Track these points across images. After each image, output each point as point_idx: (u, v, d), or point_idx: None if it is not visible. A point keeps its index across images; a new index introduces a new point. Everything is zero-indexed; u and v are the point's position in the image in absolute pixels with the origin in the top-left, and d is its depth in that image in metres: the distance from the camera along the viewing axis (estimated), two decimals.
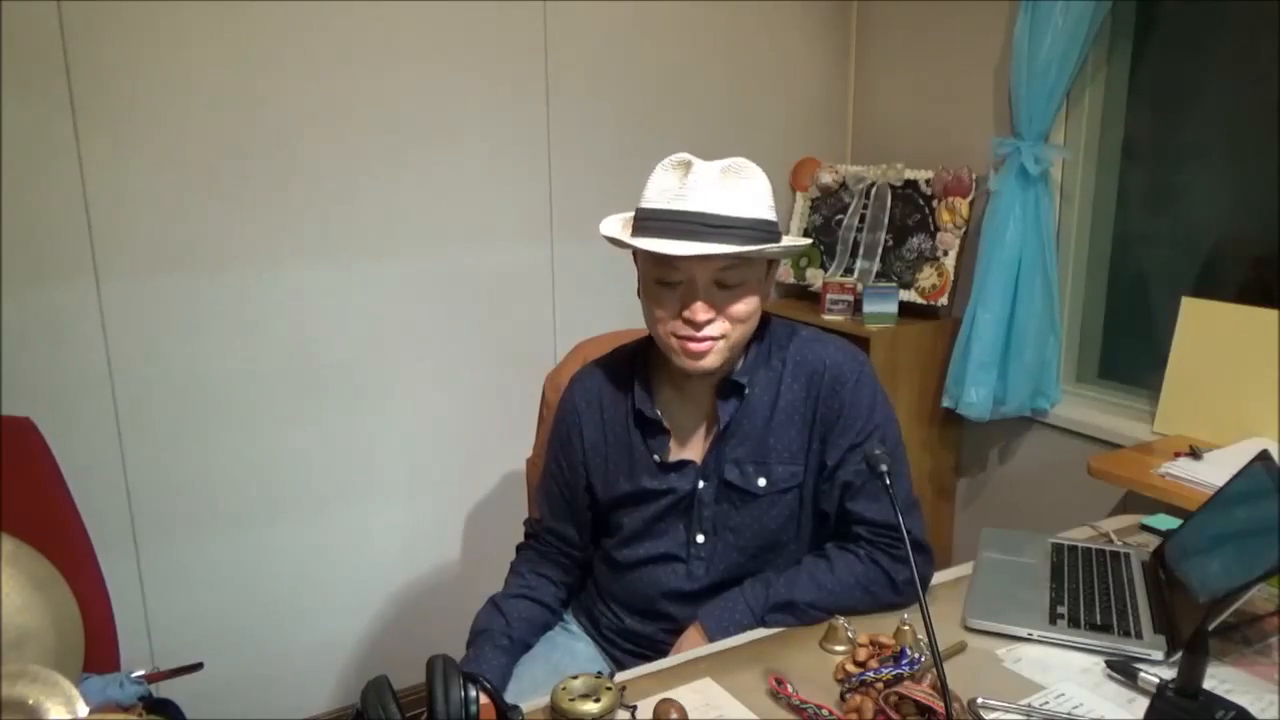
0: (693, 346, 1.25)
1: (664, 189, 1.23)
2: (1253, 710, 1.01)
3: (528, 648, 1.42)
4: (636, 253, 1.29)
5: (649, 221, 1.23)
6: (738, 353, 1.31)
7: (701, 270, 1.22)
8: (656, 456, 1.35)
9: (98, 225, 1.95)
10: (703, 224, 1.19)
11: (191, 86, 2.00)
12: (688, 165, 1.23)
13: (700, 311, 1.22)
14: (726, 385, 1.32)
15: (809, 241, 1.48)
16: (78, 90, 1.89)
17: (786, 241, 1.27)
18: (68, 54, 1.87)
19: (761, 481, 1.33)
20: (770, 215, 1.25)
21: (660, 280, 1.25)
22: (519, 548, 1.53)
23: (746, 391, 1.32)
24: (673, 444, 1.36)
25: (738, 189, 1.22)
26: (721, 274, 1.22)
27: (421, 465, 2.39)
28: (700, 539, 1.36)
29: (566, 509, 1.45)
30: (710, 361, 1.26)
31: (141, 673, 1.10)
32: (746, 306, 1.26)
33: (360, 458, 2.32)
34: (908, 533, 1.08)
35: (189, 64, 1.98)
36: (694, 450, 1.36)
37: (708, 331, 1.24)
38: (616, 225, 1.31)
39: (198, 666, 1.20)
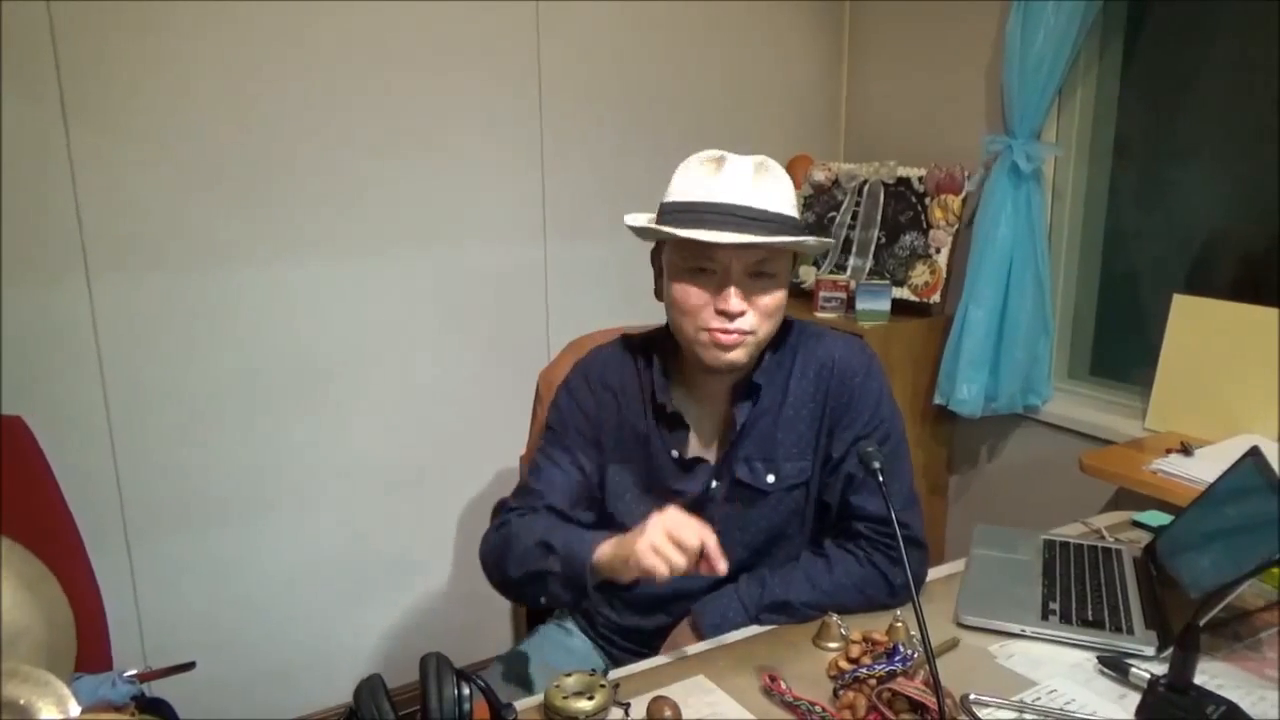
0: (724, 338, 1.24)
1: (697, 181, 1.23)
2: (1243, 705, 1.01)
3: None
4: (662, 246, 1.28)
5: (681, 214, 1.22)
6: (760, 351, 1.30)
7: (737, 260, 1.22)
8: (675, 452, 1.34)
9: (88, 223, 1.94)
10: (742, 215, 1.20)
11: (183, 84, 1.99)
12: (721, 160, 1.24)
13: (734, 300, 1.22)
14: (744, 386, 1.32)
15: (829, 241, 1.44)
16: (68, 87, 1.88)
17: (813, 239, 1.28)
18: (58, 51, 1.86)
19: (770, 478, 1.33)
20: (795, 214, 1.26)
21: (695, 269, 1.24)
22: (505, 523, 1.35)
23: (761, 391, 1.32)
24: (689, 441, 1.35)
25: (768, 186, 1.23)
26: (757, 265, 1.23)
27: (415, 462, 2.39)
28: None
29: (585, 496, 1.37)
30: (738, 355, 1.25)
31: (134, 672, 1.09)
32: (775, 300, 1.26)
33: (353, 455, 2.32)
34: (907, 528, 1.08)
35: (181, 61, 1.98)
36: (707, 450, 1.36)
37: (739, 324, 1.23)
38: (640, 221, 1.30)
39: (190, 666, 1.20)
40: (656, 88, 2.58)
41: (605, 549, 1.17)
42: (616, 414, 1.37)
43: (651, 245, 1.33)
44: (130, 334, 2.02)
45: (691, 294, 1.25)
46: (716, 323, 1.23)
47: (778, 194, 1.23)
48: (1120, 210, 2.42)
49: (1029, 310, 2.35)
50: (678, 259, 1.26)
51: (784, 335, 1.35)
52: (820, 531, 1.37)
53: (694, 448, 1.35)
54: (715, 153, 1.25)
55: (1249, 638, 1.21)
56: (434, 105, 2.27)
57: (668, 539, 1.09)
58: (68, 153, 1.90)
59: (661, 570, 1.08)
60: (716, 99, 2.68)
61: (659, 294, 1.33)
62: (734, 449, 1.33)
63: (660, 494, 1.34)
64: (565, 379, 1.43)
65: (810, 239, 1.23)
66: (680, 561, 1.08)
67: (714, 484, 1.34)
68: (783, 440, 1.32)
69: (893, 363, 2.50)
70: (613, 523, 1.39)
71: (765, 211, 1.21)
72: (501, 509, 1.42)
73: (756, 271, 1.23)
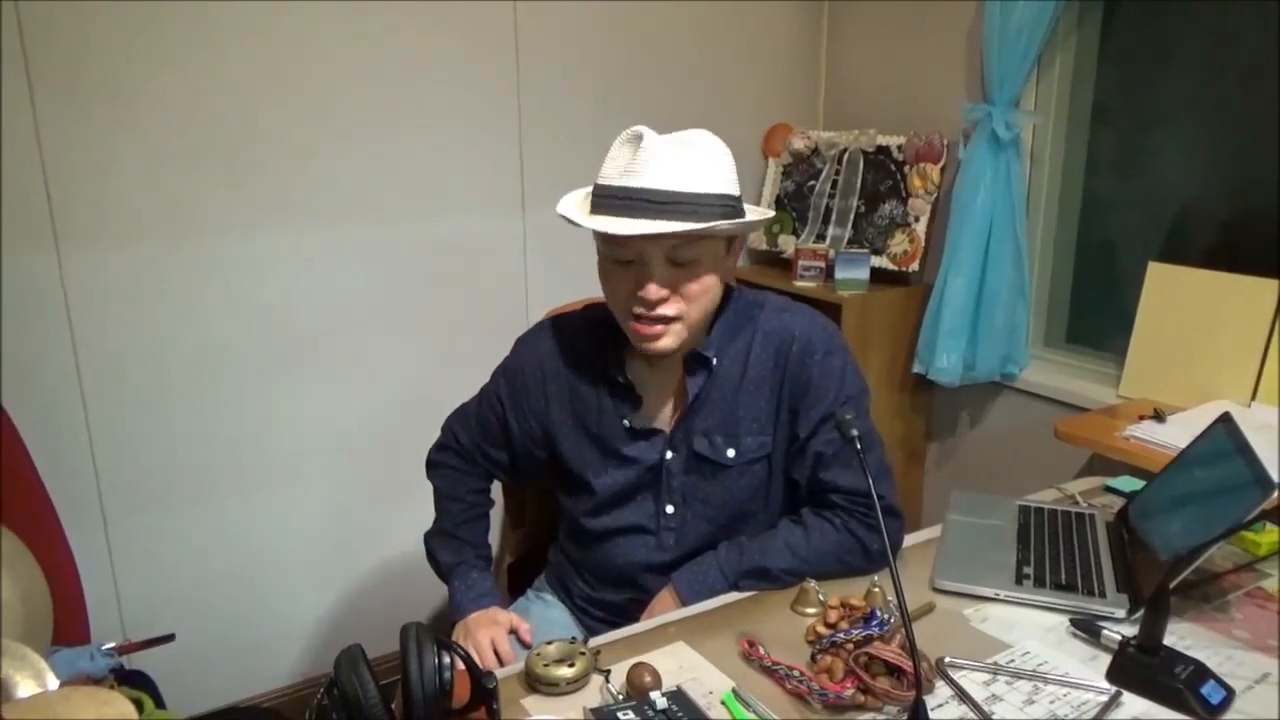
0: (644, 329, 1.24)
1: (615, 164, 1.21)
2: (1210, 665, 1.04)
3: (491, 561, 1.49)
4: (595, 231, 1.28)
5: (601, 199, 1.21)
6: (698, 331, 1.30)
7: (653, 248, 1.20)
8: (626, 421, 1.35)
9: (57, 194, 1.91)
10: (650, 200, 1.17)
11: (153, 50, 1.94)
12: (638, 139, 1.20)
13: (653, 291, 1.21)
14: (694, 359, 1.32)
15: (767, 214, 1.37)
16: (32, 53, 1.84)
17: (751, 215, 1.26)
18: (20, 16, 1.81)
19: (731, 452, 1.34)
20: (728, 189, 1.22)
21: (614, 259, 1.24)
22: (433, 463, 1.53)
23: (714, 364, 1.32)
24: (643, 410, 1.36)
25: (691, 162, 1.19)
26: (674, 251, 1.21)
27: (392, 434, 2.38)
28: (670, 510, 1.37)
29: (502, 436, 1.46)
30: (666, 344, 1.26)
31: (112, 645, 1.09)
32: (701, 285, 1.24)
33: (330, 428, 2.31)
34: (881, 499, 1.09)
35: (150, 27, 1.93)
36: (662, 420, 1.36)
37: (662, 311, 1.23)
38: (576, 200, 1.30)
39: (169, 638, 1.20)
40: (636, 53, 2.55)
41: (469, 621, 1.37)
42: (566, 380, 1.39)
43: None
44: (103, 306, 2.00)
45: (615, 284, 1.25)
46: (638, 309, 1.24)
47: (700, 172, 1.19)
48: (1098, 178, 2.43)
49: (1008, 279, 2.36)
50: (600, 248, 1.26)
51: (739, 306, 1.35)
52: (789, 509, 1.38)
53: (647, 417, 1.36)
54: (636, 130, 1.21)
55: (1217, 599, 1.24)
56: (410, 72, 2.24)
57: (489, 643, 1.33)
58: (34, 121, 1.86)
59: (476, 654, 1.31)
60: (697, 65, 2.65)
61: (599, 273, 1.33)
62: (689, 421, 1.34)
63: (616, 460, 1.36)
64: (522, 344, 1.46)
65: (724, 222, 1.19)
66: (490, 657, 1.32)
67: (669, 454, 1.35)
68: (743, 415, 1.33)
69: (871, 332, 2.51)
70: (575, 489, 1.43)
71: (681, 193, 1.17)
72: (447, 427, 1.56)
73: (676, 257, 1.21)
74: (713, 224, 1.19)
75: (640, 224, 1.16)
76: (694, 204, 1.18)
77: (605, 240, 1.23)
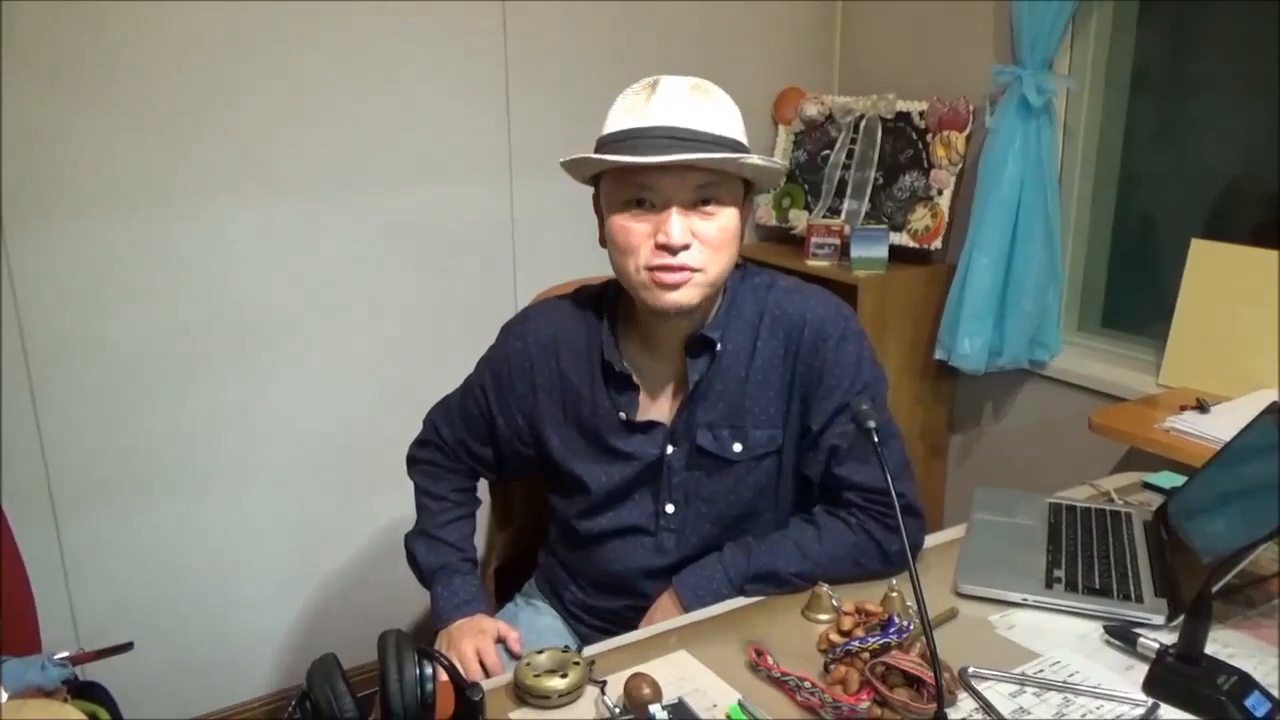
0: (667, 277, 1.22)
1: (630, 108, 1.23)
2: (1256, 675, 1.04)
3: (477, 564, 1.50)
4: (600, 186, 1.28)
5: (616, 142, 1.22)
6: (714, 295, 1.30)
7: (677, 188, 1.21)
8: (623, 414, 1.35)
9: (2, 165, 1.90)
10: (675, 138, 1.19)
11: (104, 9, 1.93)
12: (654, 83, 1.24)
13: (677, 231, 1.21)
14: (697, 341, 1.32)
15: (786, 165, 1.43)
16: None
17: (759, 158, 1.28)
18: None
19: (737, 447, 1.34)
20: (743, 138, 1.26)
21: (632, 200, 1.23)
22: (414, 459, 1.56)
23: (719, 348, 1.32)
24: (641, 401, 1.36)
25: (707, 107, 1.23)
26: (699, 190, 1.22)
27: (370, 427, 2.38)
28: (670, 509, 1.37)
29: (487, 433, 1.46)
30: (687, 296, 1.24)
31: (65, 654, 1.09)
32: (724, 233, 1.25)
33: (303, 419, 2.31)
34: (900, 496, 1.09)
35: None
36: (662, 411, 1.36)
37: (684, 259, 1.22)
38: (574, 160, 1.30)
39: (127, 647, 1.20)
40: (633, 8, 2.54)
41: (453, 629, 1.38)
42: (559, 375, 1.39)
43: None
44: (52, 287, 1.99)
45: (630, 230, 1.24)
46: (658, 259, 1.22)
47: (717, 117, 1.23)
48: (1137, 148, 2.42)
49: (1038, 258, 2.36)
50: (614, 192, 1.25)
51: (747, 286, 1.35)
52: (800, 507, 1.38)
53: (646, 409, 1.36)
54: (650, 78, 1.25)
55: (1264, 605, 1.24)
56: (386, 33, 2.23)
57: (474, 652, 1.34)
58: None
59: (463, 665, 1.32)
60: (700, 23, 2.64)
61: (603, 241, 1.32)
62: (692, 413, 1.33)
63: (611, 455, 1.36)
64: (508, 331, 1.46)
65: (755, 157, 1.23)
66: (475, 668, 1.33)
67: (670, 449, 1.35)
68: (751, 406, 1.33)
69: (890, 315, 2.51)
70: (567, 488, 1.42)
71: (705, 133, 1.20)
72: (428, 421, 1.57)
73: (700, 199, 1.22)
74: (747, 155, 1.22)
75: (670, 156, 1.18)
76: (718, 143, 1.21)
77: (622, 183, 1.23)
